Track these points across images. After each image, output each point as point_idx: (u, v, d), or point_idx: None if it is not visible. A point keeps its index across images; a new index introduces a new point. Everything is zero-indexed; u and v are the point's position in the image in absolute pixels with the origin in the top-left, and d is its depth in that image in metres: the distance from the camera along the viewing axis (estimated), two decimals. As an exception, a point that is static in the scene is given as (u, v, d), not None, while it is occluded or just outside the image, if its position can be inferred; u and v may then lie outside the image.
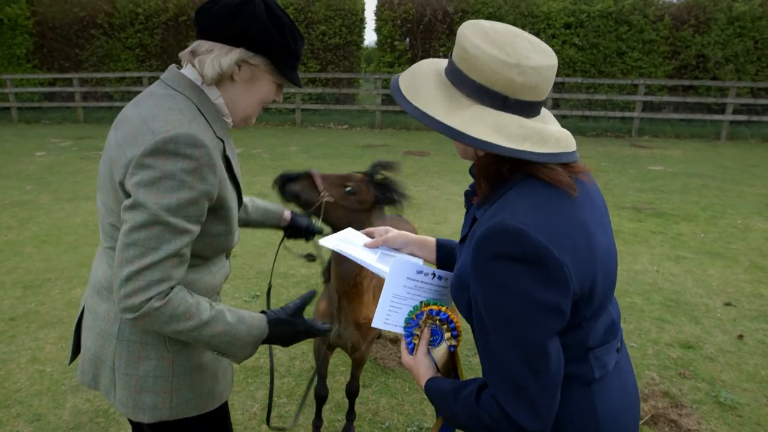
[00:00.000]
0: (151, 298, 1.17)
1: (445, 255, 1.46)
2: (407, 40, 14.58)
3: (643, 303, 4.19)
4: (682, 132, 12.89)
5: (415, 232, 3.28)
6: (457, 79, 1.05)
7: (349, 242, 1.50)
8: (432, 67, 1.12)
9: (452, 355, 1.30)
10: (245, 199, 1.78)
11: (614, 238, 1.17)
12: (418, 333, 1.26)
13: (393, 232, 1.52)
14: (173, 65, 1.36)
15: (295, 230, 2.01)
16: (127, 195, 1.22)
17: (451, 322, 1.28)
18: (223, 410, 1.56)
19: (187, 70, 1.34)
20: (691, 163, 9.72)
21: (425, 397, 3.02)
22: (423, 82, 1.08)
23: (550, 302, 0.97)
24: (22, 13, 14.84)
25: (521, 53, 0.99)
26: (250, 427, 2.77)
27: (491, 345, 1.02)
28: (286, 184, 1.98)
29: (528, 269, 0.96)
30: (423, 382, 1.20)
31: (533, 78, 0.99)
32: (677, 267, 4.92)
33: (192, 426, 1.46)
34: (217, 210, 1.32)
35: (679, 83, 12.64)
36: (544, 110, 1.12)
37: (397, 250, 1.54)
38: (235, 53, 1.29)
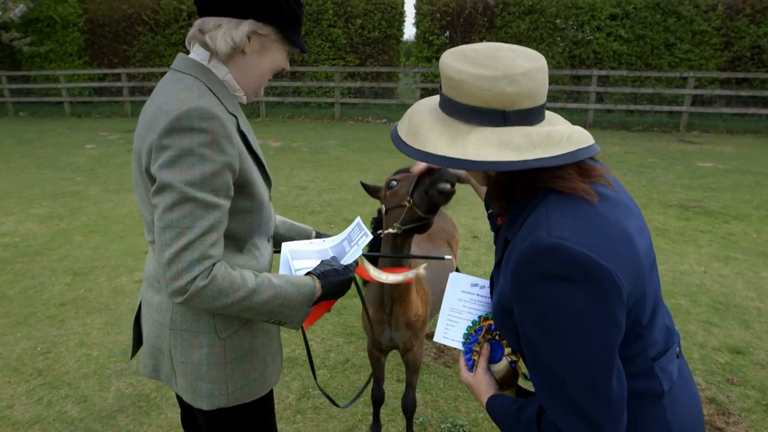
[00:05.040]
0: (195, 278, 1.18)
1: None
2: (447, 33, 14.43)
3: (690, 305, 4.03)
4: (734, 127, 12.31)
5: (455, 228, 3.26)
6: (453, 109, 1.02)
7: (299, 254, 1.58)
8: (427, 105, 1.10)
9: (513, 370, 1.26)
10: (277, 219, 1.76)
11: (651, 239, 1.11)
12: (477, 349, 1.23)
13: None
14: (181, 53, 1.38)
15: None
16: (154, 181, 1.24)
17: None
18: (271, 398, 1.58)
19: (194, 52, 1.35)
20: (743, 159, 9.28)
21: (459, 393, 3.00)
22: (420, 123, 1.05)
23: (606, 316, 0.91)
24: (74, 11, 15.45)
25: (506, 63, 0.96)
26: (285, 417, 2.81)
27: (546, 372, 0.97)
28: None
29: (576, 285, 0.91)
30: (484, 401, 1.17)
31: (525, 85, 0.96)
32: (726, 268, 4.71)
33: (244, 412, 1.48)
34: (242, 186, 1.32)
35: (733, 76, 12.07)
36: (550, 114, 1.08)
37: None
38: (245, 25, 1.29)
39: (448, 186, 1.72)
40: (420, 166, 1.78)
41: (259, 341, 1.45)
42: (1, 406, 2.89)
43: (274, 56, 1.38)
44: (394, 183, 1.95)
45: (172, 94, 1.25)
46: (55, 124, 13.37)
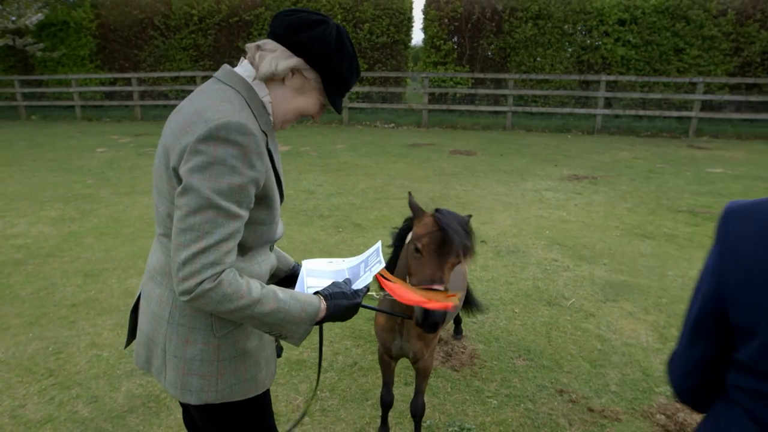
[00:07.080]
0: (204, 281, 1.22)
1: None
2: (455, 38, 14.46)
3: (698, 311, 4.01)
4: (744, 132, 12.24)
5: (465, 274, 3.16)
6: None
7: (315, 273, 1.63)
8: None
9: None
10: None
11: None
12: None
13: None
14: (226, 64, 1.44)
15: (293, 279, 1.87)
16: (181, 181, 1.29)
17: None
18: (266, 399, 1.61)
19: (241, 68, 1.41)
20: (754, 165, 9.22)
21: (467, 397, 3.00)
22: None
23: (708, 274, 1.05)
24: (87, 16, 15.66)
25: None
26: (293, 419, 2.82)
27: None
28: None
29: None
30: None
31: None
32: (736, 274, 4.68)
33: (236, 411, 1.51)
34: (261, 198, 1.38)
35: (742, 81, 12.01)
36: None
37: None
38: (293, 60, 1.37)
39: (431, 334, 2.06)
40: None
41: (252, 344, 1.49)
42: (14, 405, 2.93)
43: (308, 101, 1.45)
44: (418, 250, 1.89)
45: (213, 102, 1.31)
46: (66, 128, 13.52)
